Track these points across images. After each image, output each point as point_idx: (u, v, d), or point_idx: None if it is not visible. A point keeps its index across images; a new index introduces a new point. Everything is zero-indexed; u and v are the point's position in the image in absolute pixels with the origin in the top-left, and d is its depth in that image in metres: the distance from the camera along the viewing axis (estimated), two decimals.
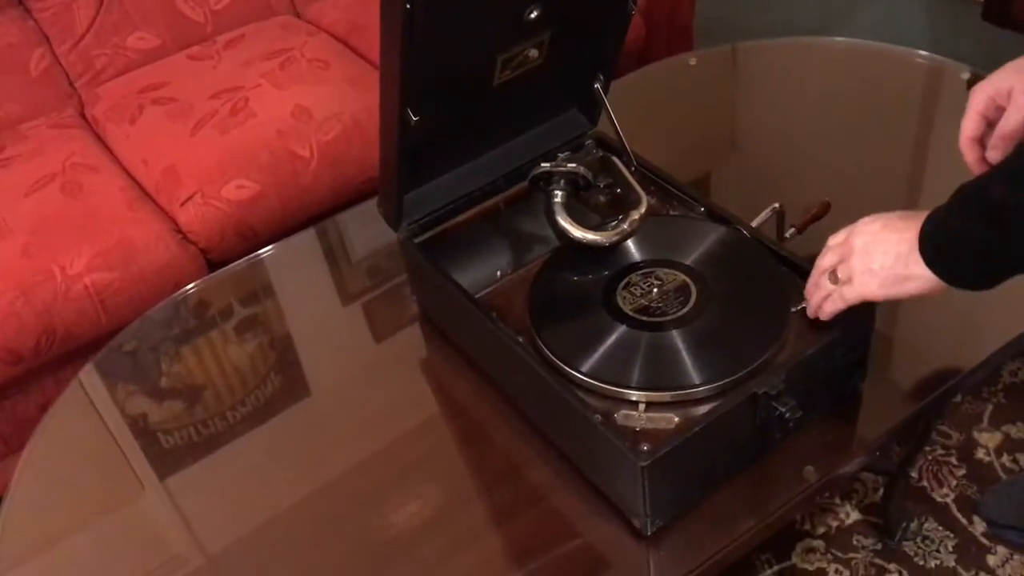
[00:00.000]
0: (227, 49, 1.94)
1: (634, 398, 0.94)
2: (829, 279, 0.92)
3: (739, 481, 0.97)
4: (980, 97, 0.91)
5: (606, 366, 0.96)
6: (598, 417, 0.90)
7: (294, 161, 1.66)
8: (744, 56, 1.65)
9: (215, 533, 1.05)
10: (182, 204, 1.62)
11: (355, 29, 1.98)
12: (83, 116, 1.89)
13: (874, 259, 0.86)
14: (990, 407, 1.62)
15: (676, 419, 0.92)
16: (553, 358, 0.98)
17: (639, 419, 0.92)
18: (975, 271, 0.81)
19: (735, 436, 0.93)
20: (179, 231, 1.61)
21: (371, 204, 1.42)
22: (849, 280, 0.89)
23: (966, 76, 1.47)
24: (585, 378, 0.96)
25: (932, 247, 0.82)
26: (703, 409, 0.92)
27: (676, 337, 0.97)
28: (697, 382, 0.93)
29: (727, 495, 0.96)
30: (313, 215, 1.68)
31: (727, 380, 0.92)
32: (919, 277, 0.83)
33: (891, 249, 0.85)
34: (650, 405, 0.93)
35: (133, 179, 1.71)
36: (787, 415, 0.90)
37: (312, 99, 1.75)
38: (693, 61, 1.60)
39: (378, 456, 1.08)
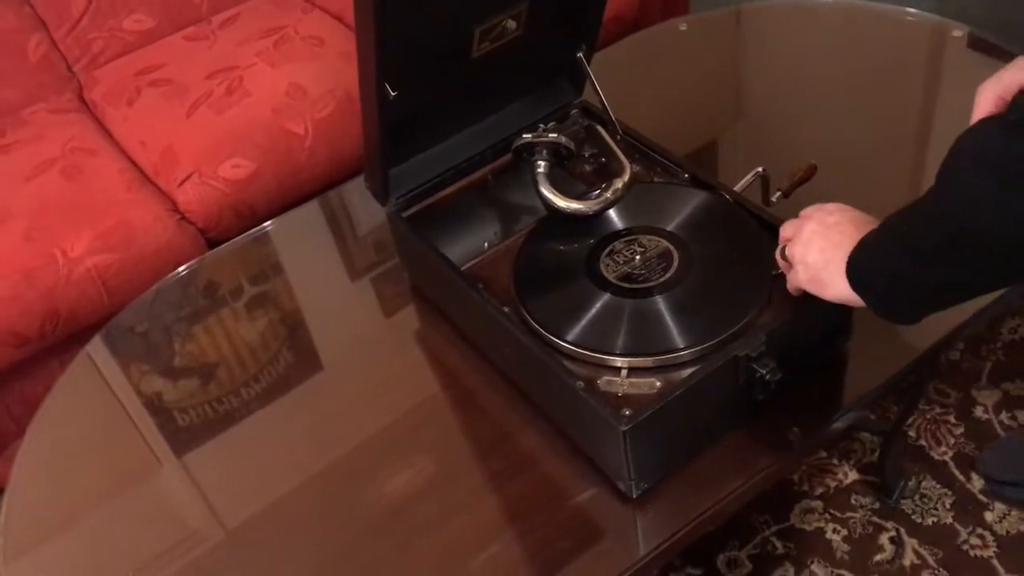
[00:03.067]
0: (222, 29, 1.95)
1: (617, 364, 0.95)
2: (779, 254, 0.94)
3: (725, 443, 0.98)
4: (988, 96, 0.86)
5: (590, 334, 0.97)
6: (580, 384, 0.91)
7: (289, 139, 1.68)
8: (737, 20, 1.64)
9: (215, 509, 1.07)
10: (179, 184, 1.63)
11: (350, 5, 1.96)
12: (82, 100, 1.91)
13: (810, 252, 0.87)
14: (989, 365, 1.62)
15: (658, 383, 0.93)
16: (538, 327, 0.99)
17: (621, 384, 0.93)
18: (896, 302, 0.81)
19: (717, 399, 0.94)
20: (177, 211, 1.63)
21: (357, 181, 1.44)
22: (792, 264, 0.91)
23: (959, 35, 1.46)
24: (569, 346, 0.97)
25: (856, 271, 0.82)
26: (685, 373, 0.93)
27: (658, 303, 0.98)
28: (678, 346, 0.94)
29: (713, 457, 0.97)
30: (310, 192, 1.69)
31: (708, 344, 0.93)
32: (838, 289, 0.85)
33: (827, 251, 0.85)
34: (633, 370, 0.94)
35: (132, 161, 1.72)
36: (767, 376, 0.91)
37: (306, 76, 1.75)
38: (684, 26, 1.59)
39: (373, 427, 1.10)
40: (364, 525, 1.00)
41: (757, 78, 1.53)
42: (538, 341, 0.98)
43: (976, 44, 1.45)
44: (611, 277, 1.01)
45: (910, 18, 1.51)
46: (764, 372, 0.91)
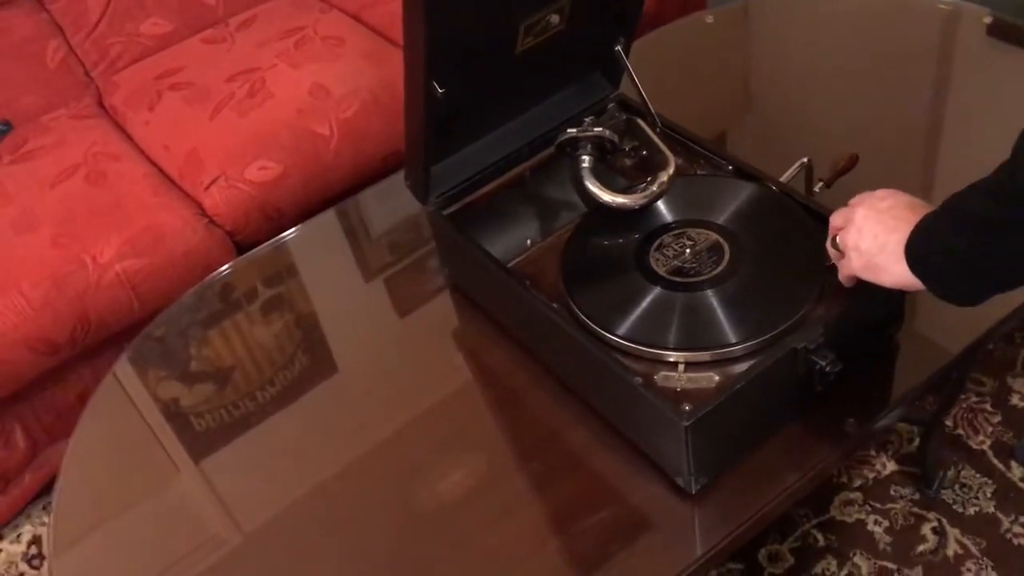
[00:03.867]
0: (240, 31, 1.94)
1: (672, 359, 0.94)
2: (831, 244, 0.92)
3: (781, 436, 0.97)
4: None
5: (643, 328, 0.96)
6: (638, 380, 0.91)
7: (315, 140, 1.67)
8: (760, 11, 1.63)
9: (265, 512, 1.06)
10: (206, 188, 1.62)
11: (367, 5, 1.97)
12: (101, 105, 1.90)
13: (864, 239, 0.86)
14: (1023, 353, 1.61)
15: (716, 378, 0.92)
16: (590, 323, 0.98)
17: (679, 379, 0.92)
18: (959, 283, 0.80)
19: (776, 392, 0.93)
20: (205, 215, 1.62)
21: (392, 180, 1.43)
22: (845, 252, 0.90)
23: (988, 20, 1.45)
24: (623, 341, 0.96)
25: (916, 253, 0.81)
26: (742, 367, 0.92)
27: (712, 296, 0.97)
28: (736, 340, 0.93)
29: (769, 451, 0.97)
30: (336, 192, 1.68)
31: (766, 337, 0.92)
32: (895, 273, 0.83)
33: (881, 236, 0.84)
34: (689, 365, 0.93)
35: (156, 166, 1.71)
36: (827, 368, 0.91)
37: (329, 76, 1.74)
38: (711, 19, 1.58)
39: (418, 427, 1.09)
40: (410, 526, 1.00)
41: (787, 68, 1.52)
42: (590, 337, 0.97)
43: (1005, 30, 1.44)
44: (662, 271, 1.01)
45: (940, 5, 1.49)
46: (824, 364, 0.90)
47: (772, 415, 0.95)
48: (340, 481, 1.06)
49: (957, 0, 1.49)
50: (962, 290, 0.81)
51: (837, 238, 0.92)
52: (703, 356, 0.93)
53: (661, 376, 0.93)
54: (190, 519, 1.08)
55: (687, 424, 0.86)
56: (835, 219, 0.93)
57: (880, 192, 0.89)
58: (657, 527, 0.96)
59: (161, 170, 1.70)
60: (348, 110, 1.69)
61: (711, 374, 0.93)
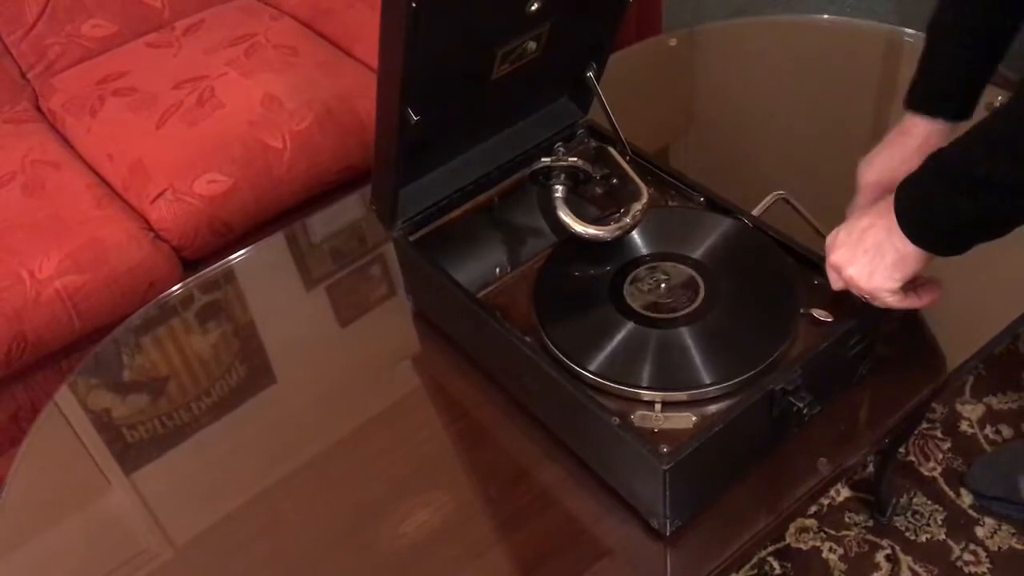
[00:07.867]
0: (187, 36, 1.88)
1: (648, 398, 0.92)
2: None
3: (752, 475, 0.96)
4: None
5: (619, 365, 0.94)
6: (616, 420, 0.88)
7: (267, 152, 1.61)
8: (720, 37, 1.63)
9: (226, 547, 1.01)
10: (152, 201, 1.56)
11: (320, 13, 1.92)
12: (38, 109, 1.82)
13: (856, 254, 0.88)
14: (971, 379, 1.64)
15: (693, 418, 0.91)
16: (563, 358, 0.96)
17: (656, 419, 0.91)
18: (959, 241, 0.83)
19: (752, 433, 0.92)
20: (151, 229, 1.56)
21: (348, 201, 1.39)
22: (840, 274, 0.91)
23: None
24: (597, 378, 0.94)
25: (915, 224, 0.83)
26: (719, 407, 0.91)
27: (689, 334, 0.96)
28: (714, 380, 0.92)
29: (742, 490, 0.95)
30: (287, 207, 1.64)
31: (744, 377, 0.91)
32: (904, 253, 0.84)
33: (872, 245, 0.86)
34: (665, 405, 0.92)
35: (99, 175, 1.64)
36: (804, 410, 0.90)
37: (281, 87, 1.69)
38: (673, 42, 1.58)
39: (378, 462, 1.05)
40: (376, 569, 0.96)
41: (749, 95, 1.52)
42: (565, 373, 0.94)
43: None
44: (637, 306, 0.99)
45: (908, 38, 1.50)
46: (801, 405, 0.89)
47: (746, 455, 0.94)
48: (298, 517, 1.01)
49: (908, 29, 1.51)
50: (961, 244, 0.83)
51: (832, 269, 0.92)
52: (680, 396, 0.92)
53: (638, 416, 0.91)
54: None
55: (667, 467, 0.84)
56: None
57: (836, 247, 0.90)
58: (630, 570, 0.94)
59: (104, 180, 1.63)
60: (302, 122, 1.65)
61: (688, 414, 0.91)
